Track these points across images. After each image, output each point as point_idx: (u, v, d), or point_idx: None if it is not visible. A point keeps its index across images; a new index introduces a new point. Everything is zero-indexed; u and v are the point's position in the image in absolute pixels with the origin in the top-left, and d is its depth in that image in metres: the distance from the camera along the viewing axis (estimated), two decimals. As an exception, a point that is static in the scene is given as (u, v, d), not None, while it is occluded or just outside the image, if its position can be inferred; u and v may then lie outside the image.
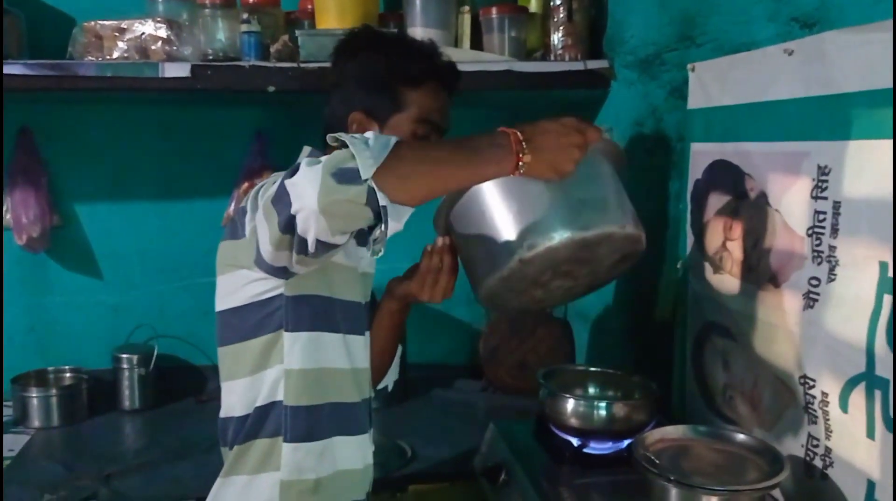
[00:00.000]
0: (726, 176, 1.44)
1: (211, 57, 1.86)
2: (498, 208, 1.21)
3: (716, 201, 1.49)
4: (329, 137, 1.05)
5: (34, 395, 2.04)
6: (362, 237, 1.05)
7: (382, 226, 0.99)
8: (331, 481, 1.27)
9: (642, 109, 1.79)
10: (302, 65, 1.85)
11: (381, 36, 1.37)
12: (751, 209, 1.37)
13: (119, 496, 1.69)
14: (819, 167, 1.18)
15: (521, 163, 1.06)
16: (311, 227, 1.00)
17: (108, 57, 1.85)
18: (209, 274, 2.19)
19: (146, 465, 1.83)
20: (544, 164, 1.08)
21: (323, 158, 1.00)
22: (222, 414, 1.29)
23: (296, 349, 1.21)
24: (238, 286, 1.21)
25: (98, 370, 2.18)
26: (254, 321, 1.22)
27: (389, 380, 1.51)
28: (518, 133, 1.07)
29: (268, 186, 1.14)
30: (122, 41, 1.86)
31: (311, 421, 1.24)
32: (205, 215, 2.23)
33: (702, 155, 1.53)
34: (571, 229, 1.17)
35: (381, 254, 1.03)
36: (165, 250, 2.26)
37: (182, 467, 1.82)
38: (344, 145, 1.01)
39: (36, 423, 2.04)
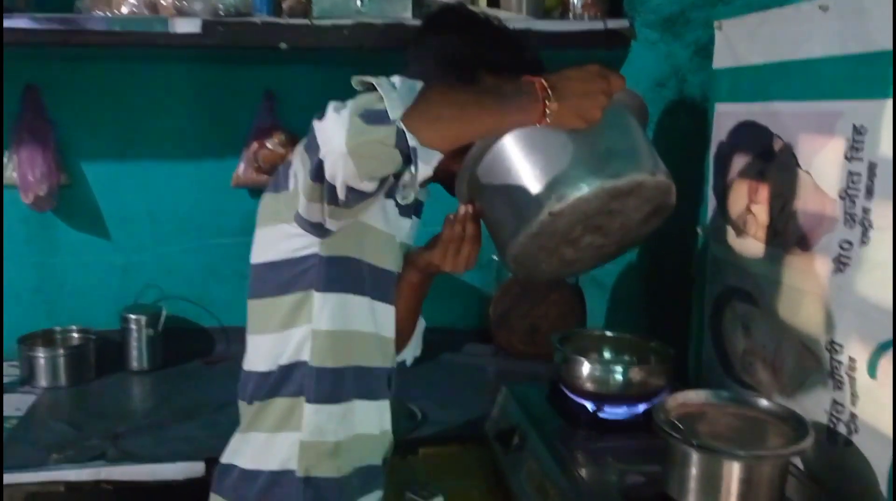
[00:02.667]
0: (753, 137, 1.40)
1: (222, 13, 1.81)
2: (523, 164, 1.16)
3: (741, 163, 1.45)
4: (354, 80, 1.02)
5: (41, 355, 2.03)
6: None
7: (413, 168, 0.97)
8: (349, 444, 1.26)
9: (664, 69, 1.75)
10: (315, 22, 1.80)
11: (474, 17, 1.34)
12: (779, 171, 1.33)
13: (127, 455, 1.68)
14: (854, 127, 1.14)
15: (547, 111, 1.04)
16: (339, 171, 0.98)
17: (116, 11, 1.80)
18: (218, 235, 2.24)
19: (155, 425, 1.82)
20: (571, 111, 1.06)
21: (349, 102, 0.98)
22: (245, 367, 1.28)
23: (325, 310, 1.20)
24: (275, 240, 1.21)
25: (106, 330, 2.15)
26: (286, 277, 1.20)
27: (409, 355, 1.49)
28: (543, 81, 1.04)
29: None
30: (132, -5, 1.81)
31: (335, 383, 1.23)
32: (214, 176, 2.20)
33: (727, 116, 1.48)
34: (601, 178, 1.12)
35: (410, 200, 1.02)
36: (174, 210, 2.24)
37: (191, 427, 1.81)
38: (370, 89, 0.99)
39: (43, 383, 2.03)
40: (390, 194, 1.21)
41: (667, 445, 1.11)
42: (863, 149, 1.12)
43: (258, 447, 1.25)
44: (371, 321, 1.27)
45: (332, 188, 1.01)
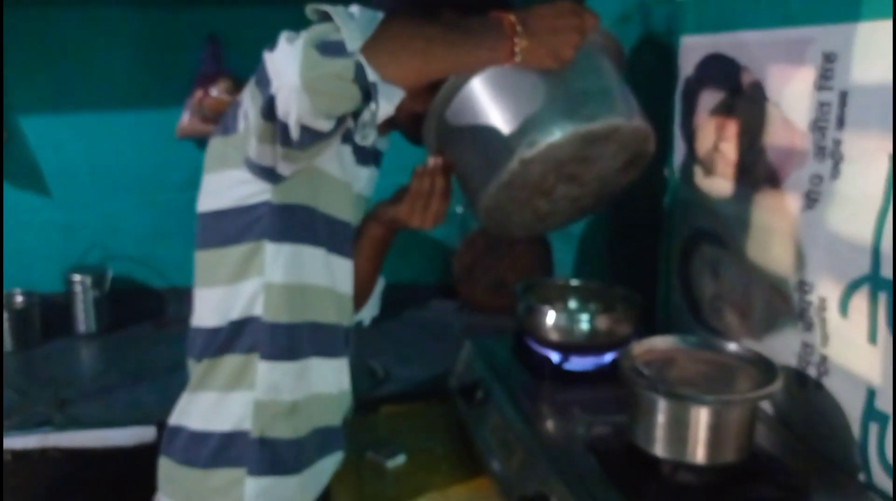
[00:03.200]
0: (720, 71, 1.33)
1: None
2: (492, 108, 1.08)
3: (708, 99, 1.38)
4: (309, 9, 0.93)
5: (-18, 319, 1.93)
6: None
7: (372, 105, 0.90)
8: (307, 404, 1.20)
9: (628, 2, 1.66)
10: (257, -43, 1.69)
11: None
12: (747, 106, 1.27)
13: (75, 421, 1.61)
14: (824, 54, 1.08)
15: (516, 48, 0.98)
16: (292, 107, 0.90)
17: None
18: (165, 190, 2.13)
19: (103, 389, 1.74)
20: (542, 48, 1.00)
21: (303, 32, 0.89)
22: (193, 323, 1.20)
23: (278, 261, 1.13)
24: (224, 187, 1.12)
25: (50, 293, 2.06)
26: (236, 226, 1.12)
27: (367, 315, 1.43)
28: (512, 17, 0.98)
29: None
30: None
31: (291, 339, 1.16)
32: (157, 127, 2.09)
33: (693, 50, 1.41)
34: (575, 122, 1.05)
35: (369, 141, 0.94)
36: (117, 164, 2.12)
37: (140, 390, 1.74)
38: (325, 19, 0.91)
39: (-14, 348, 1.94)
40: (347, 139, 1.13)
41: (632, 393, 1.06)
42: (833, 77, 1.06)
43: (208, 407, 1.18)
44: (326, 275, 1.20)
45: (285, 127, 0.93)
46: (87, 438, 1.59)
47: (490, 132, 1.09)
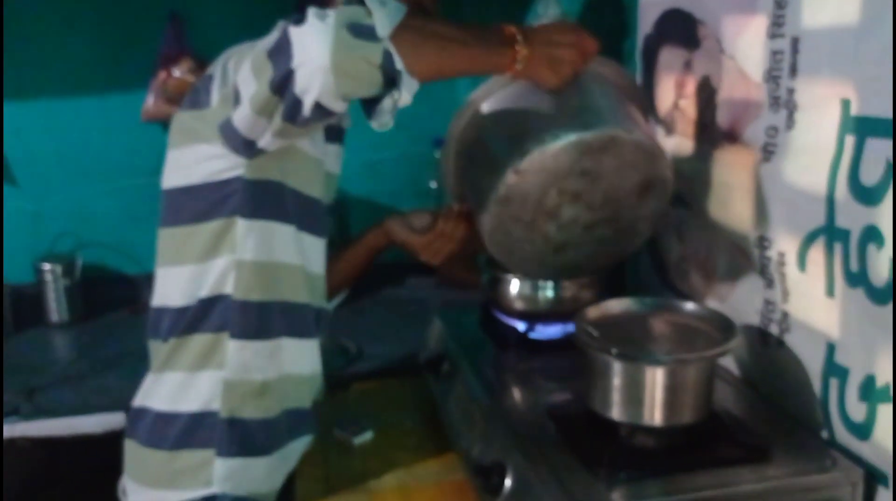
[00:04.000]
0: (678, 26, 1.30)
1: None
2: (495, 132, 1.12)
3: (667, 56, 1.35)
4: None
5: (-49, 311, 1.91)
6: (369, 105, 0.96)
7: (396, 93, 0.92)
8: (277, 384, 1.18)
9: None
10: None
11: None
12: (704, 60, 1.24)
13: (43, 410, 1.58)
14: (775, 1, 1.04)
15: (518, 57, 1.01)
16: (314, 85, 0.90)
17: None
18: (133, 175, 2.09)
19: (73, 378, 1.72)
20: (541, 59, 1.03)
21: (331, 11, 0.89)
22: (156, 303, 1.18)
23: (250, 238, 1.11)
24: (193, 162, 1.10)
25: (21, 284, 2.02)
26: (207, 202, 1.10)
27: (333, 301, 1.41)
28: (514, 27, 1.03)
29: (244, 51, 1.04)
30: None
31: (261, 318, 1.14)
32: (122, 110, 2.05)
33: (651, 6, 1.38)
34: (567, 130, 1.05)
35: (387, 126, 0.95)
36: (83, 149, 2.08)
37: (111, 377, 1.71)
38: (350, 3, 0.92)
39: (-43, 340, 1.91)
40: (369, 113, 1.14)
41: (587, 357, 1.04)
42: (785, 23, 1.03)
43: (175, 387, 1.15)
44: (297, 253, 1.18)
45: (296, 103, 0.93)
46: (54, 426, 1.57)
47: (492, 157, 1.11)
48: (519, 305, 1.39)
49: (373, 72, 0.90)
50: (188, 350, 1.14)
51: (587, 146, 1.06)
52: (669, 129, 1.36)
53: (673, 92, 1.33)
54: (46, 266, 2.01)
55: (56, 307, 2.02)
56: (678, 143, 1.33)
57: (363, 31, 0.89)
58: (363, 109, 0.97)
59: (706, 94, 1.23)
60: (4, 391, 1.64)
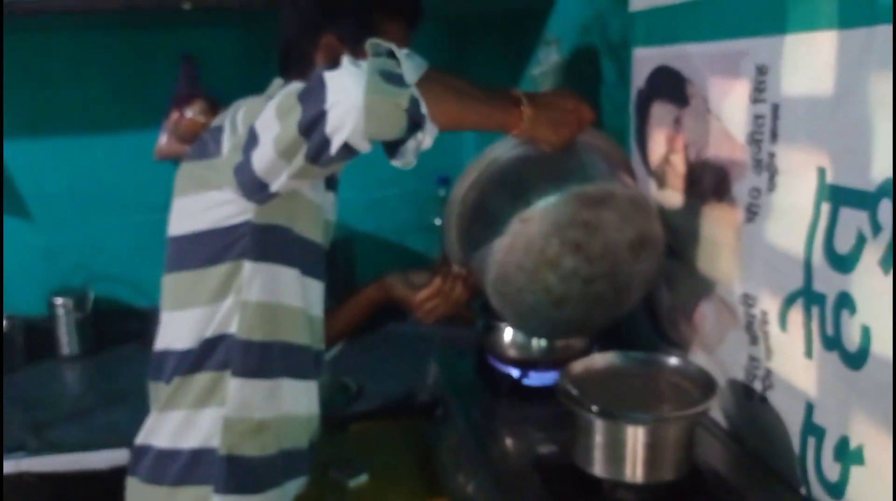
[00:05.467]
0: (668, 83, 1.32)
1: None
2: (497, 192, 1.20)
3: (659, 110, 1.38)
4: (369, 43, 1.00)
5: (-36, 344, 1.95)
6: (391, 149, 1.03)
7: (420, 134, 0.99)
8: (275, 423, 1.21)
9: (587, 15, 1.66)
10: (220, -22, 1.70)
11: None
12: (692, 118, 1.26)
13: (49, 445, 1.62)
14: (757, 67, 1.07)
15: (523, 115, 1.08)
16: (346, 124, 0.95)
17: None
18: (145, 211, 2.14)
19: (80, 412, 1.75)
20: (544, 120, 1.10)
21: (361, 62, 0.97)
22: (159, 347, 1.22)
23: (256, 280, 1.15)
24: (201, 209, 1.15)
25: (33, 317, 2.07)
26: (215, 247, 1.15)
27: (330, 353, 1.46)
28: (518, 91, 1.11)
29: (252, 103, 1.12)
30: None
31: (263, 358, 1.18)
32: (135, 148, 2.10)
33: (644, 61, 1.41)
34: (569, 182, 1.13)
35: (410, 166, 1.02)
36: (96, 186, 2.14)
37: (119, 413, 1.74)
38: (379, 54, 0.99)
39: (-29, 373, 1.96)
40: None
41: (570, 412, 1.06)
42: (766, 89, 1.05)
43: (177, 425, 1.19)
44: (300, 296, 1.22)
45: (324, 143, 0.98)
46: (60, 462, 1.60)
47: (495, 212, 1.18)
48: (512, 352, 1.42)
49: (400, 115, 0.96)
50: (191, 389, 1.18)
51: (588, 198, 1.14)
52: (661, 181, 1.38)
53: (664, 146, 1.36)
54: (59, 300, 2.05)
55: (67, 340, 2.07)
56: (669, 195, 1.36)
57: (393, 78, 0.96)
58: (385, 150, 1.04)
59: (695, 151, 1.26)
60: (13, 426, 1.68)
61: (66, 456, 1.61)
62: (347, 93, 0.95)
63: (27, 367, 2.03)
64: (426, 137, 0.99)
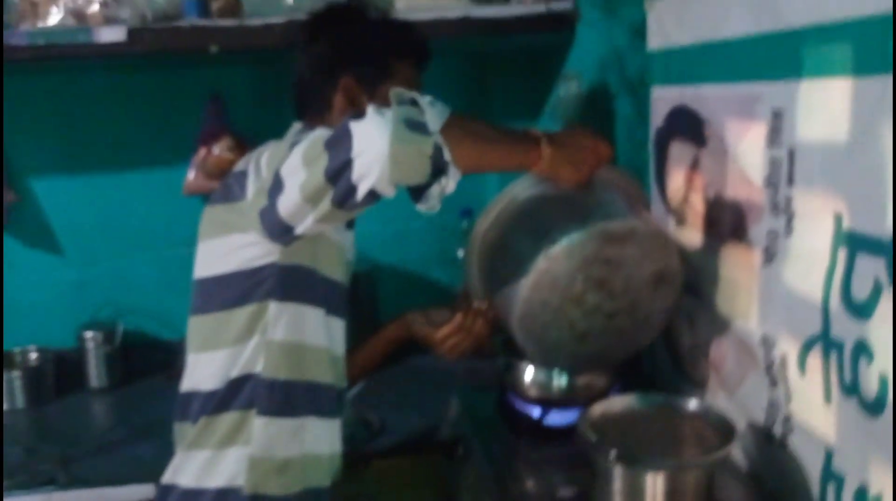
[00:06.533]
0: (686, 122, 1.33)
1: (149, 18, 1.76)
2: (519, 231, 1.21)
3: (677, 149, 1.38)
4: (393, 93, 1.04)
5: (-2, 377, 1.99)
6: (415, 194, 1.05)
7: (444, 179, 1.01)
8: (298, 463, 1.22)
9: (606, 52, 1.67)
10: (245, 22, 1.74)
11: (366, 8, 1.37)
12: (711, 159, 1.27)
13: (77, 480, 1.64)
14: (773, 111, 1.07)
15: (542, 153, 1.09)
16: (372, 171, 0.98)
17: (42, 24, 1.75)
18: (173, 245, 2.19)
19: (108, 446, 1.78)
20: (563, 159, 1.11)
21: (386, 110, 0.99)
22: (186, 388, 1.24)
23: (281, 320, 1.17)
24: (226, 252, 1.17)
25: (63, 349, 2.12)
26: (241, 289, 1.17)
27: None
28: (538, 131, 1.13)
29: (274, 149, 1.15)
30: (58, 6, 1.76)
31: (287, 397, 1.20)
32: (164, 184, 2.14)
33: (663, 101, 1.42)
34: (593, 219, 1.15)
35: (434, 210, 1.04)
36: (126, 222, 2.18)
37: (146, 447, 1.76)
38: (403, 103, 1.01)
39: (4, 406, 1.99)
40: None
41: (590, 457, 1.06)
42: (782, 134, 1.06)
43: (202, 464, 1.21)
44: (325, 335, 1.24)
45: (351, 190, 1.00)
46: (87, 497, 1.61)
47: (517, 247, 1.20)
48: (533, 391, 1.42)
49: (424, 162, 0.98)
50: (217, 429, 1.20)
51: (612, 235, 1.15)
52: (679, 219, 1.39)
53: (683, 185, 1.36)
54: (89, 334, 2.09)
55: (96, 373, 2.10)
56: (688, 234, 1.36)
57: (417, 126, 0.98)
58: (410, 195, 1.06)
59: (713, 191, 1.26)
60: (43, 460, 1.71)
61: (93, 491, 1.63)
62: (373, 141, 0.97)
63: (57, 400, 2.07)
64: (450, 182, 1.01)
